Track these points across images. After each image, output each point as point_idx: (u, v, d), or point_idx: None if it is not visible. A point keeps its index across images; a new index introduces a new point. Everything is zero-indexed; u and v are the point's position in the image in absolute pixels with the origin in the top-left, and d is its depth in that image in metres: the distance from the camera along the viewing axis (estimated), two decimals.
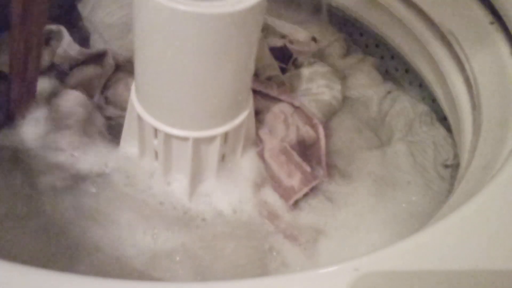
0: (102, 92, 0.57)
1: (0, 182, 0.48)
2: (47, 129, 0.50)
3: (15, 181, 0.48)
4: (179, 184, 0.49)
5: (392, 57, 0.70)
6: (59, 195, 0.47)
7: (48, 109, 0.52)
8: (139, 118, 0.46)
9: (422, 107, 0.64)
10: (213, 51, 0.39)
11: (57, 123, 0.51)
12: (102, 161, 0.50)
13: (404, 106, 0.64)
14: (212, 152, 0.47)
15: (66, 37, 0.57)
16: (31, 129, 0.51)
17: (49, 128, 0.50)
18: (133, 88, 0.47)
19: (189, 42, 0.38)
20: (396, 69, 0.69)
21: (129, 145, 0.51)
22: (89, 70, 0.58)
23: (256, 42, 0.43)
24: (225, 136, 0.47)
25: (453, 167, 0.56)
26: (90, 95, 0.55)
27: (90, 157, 0.50)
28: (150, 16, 0.38)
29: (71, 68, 0.58)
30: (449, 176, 0.56)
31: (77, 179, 0.49)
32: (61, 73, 0.58)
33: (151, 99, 0.44)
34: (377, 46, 0.71)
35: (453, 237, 0.32)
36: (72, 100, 0.52)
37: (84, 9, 0.66)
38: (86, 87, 0.56)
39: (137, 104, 0.46)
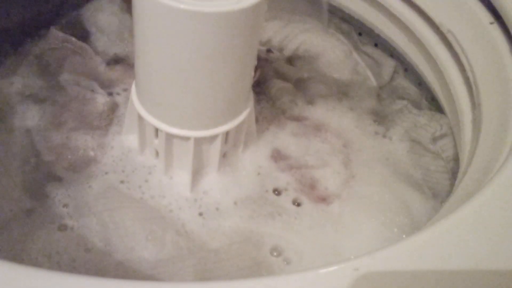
0: None
1: None
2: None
3: None
4: (180, 182, 0.49)
5: (391, 56, 0.70)
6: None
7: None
8: (140, 118, 0.46)
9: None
10: (214, 51, 0.39)
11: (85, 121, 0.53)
12: (103, 158, 0.50)
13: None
14: (214, 151, 0.47)
15: None
16: None
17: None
18: (133, 87, 0.47)
19: (190, 41, 0.38)
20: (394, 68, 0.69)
21: (129, 141, 0.51)
22: None
23: (257, 41, 0.43)
24: (226, 134, 0.47)
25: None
26: None
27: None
28: (150, 15, 0.38)
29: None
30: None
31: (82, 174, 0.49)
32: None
33: (152, 99, 0.44)
34: (376, 45, 0.71)
35: (453, 237, 0.32)
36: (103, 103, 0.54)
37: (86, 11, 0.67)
38: None
39: (138, 104, 0.46)
